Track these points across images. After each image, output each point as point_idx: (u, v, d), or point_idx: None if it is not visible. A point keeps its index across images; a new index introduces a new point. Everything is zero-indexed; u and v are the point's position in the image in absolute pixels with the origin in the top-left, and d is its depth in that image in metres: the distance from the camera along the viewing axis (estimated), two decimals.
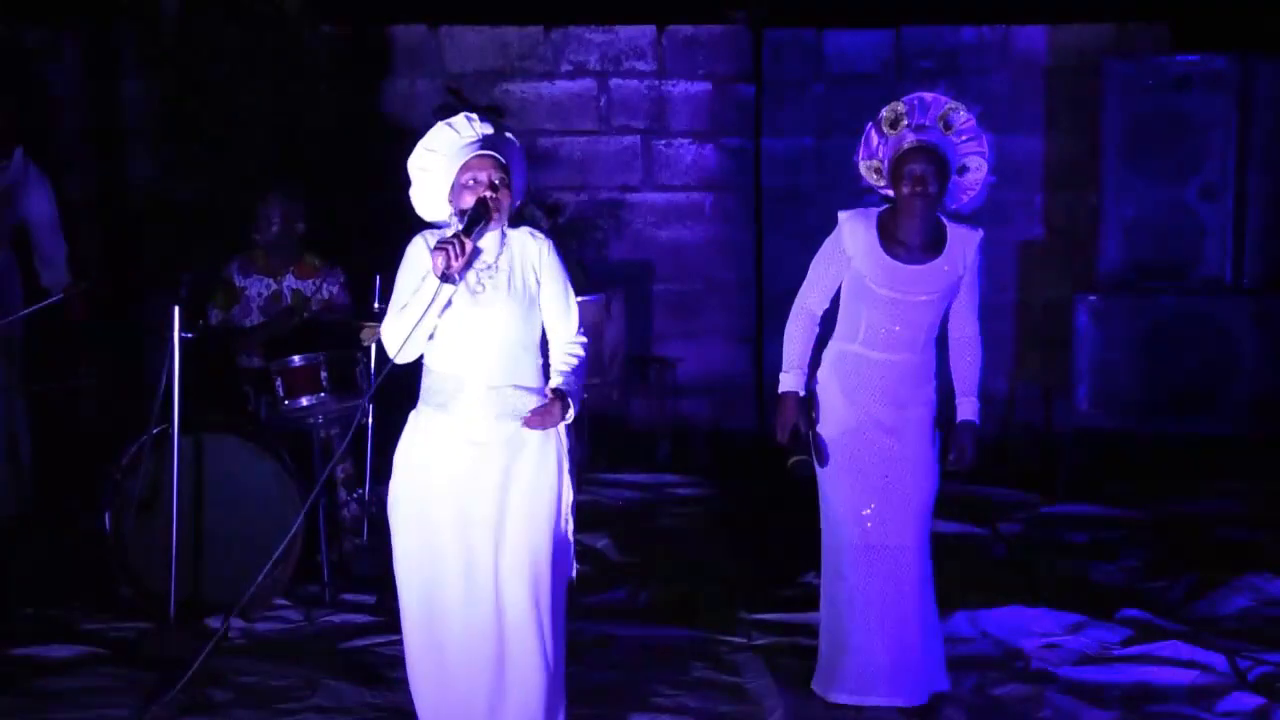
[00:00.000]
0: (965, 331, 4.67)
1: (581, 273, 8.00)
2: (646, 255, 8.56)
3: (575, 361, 4.10)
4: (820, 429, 4.63)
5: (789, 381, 4.61)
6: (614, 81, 8.52)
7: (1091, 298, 7.37)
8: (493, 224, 3.99)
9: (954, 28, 8.43)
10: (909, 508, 4.59)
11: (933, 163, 4.43)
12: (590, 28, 8.50)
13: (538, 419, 3.98)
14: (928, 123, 4.46)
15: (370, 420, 5.98)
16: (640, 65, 8.51)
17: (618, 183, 8.56)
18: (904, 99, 4.50)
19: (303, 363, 5.75)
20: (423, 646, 4.04)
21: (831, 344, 4.67)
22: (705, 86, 8.52)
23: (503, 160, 4.01)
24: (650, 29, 8.51)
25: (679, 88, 8.53)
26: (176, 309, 5.29)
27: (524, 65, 8.48)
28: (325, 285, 6.19)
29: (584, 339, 4.16)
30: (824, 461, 4.56)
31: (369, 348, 5.95)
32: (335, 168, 7.90)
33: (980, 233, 4.60)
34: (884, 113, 4.51)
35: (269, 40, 7.95)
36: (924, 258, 4.53)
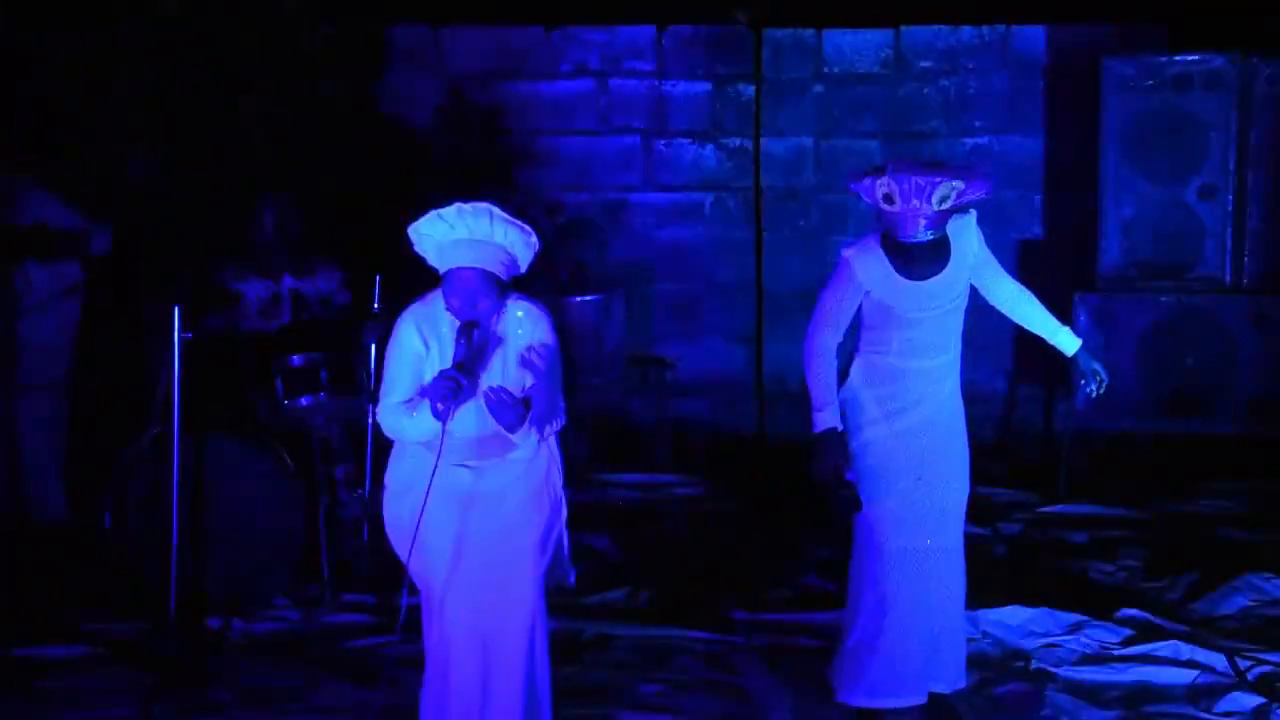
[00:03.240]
0: (1008, 289, 4.67)
1: (582, 273, 8.01)
2: (646, 255, 8.56)
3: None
4: (855, 435, 4.57)
5: (826, 419, 4.46)
6: (614, 81, 8.51)
7: (1091, 298, 7.37)
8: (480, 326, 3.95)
9: (954, 28, 8.43)
10: (945, 507, 4.58)
11: (929, 244, 4.39)
12: (590, 28, 8.49)
13: (494, 396, 3.84)
14: (923, 206, 4.31)
15: (371, 420, 5.97)
16: (640, 65, 8.51)
17: (618, 183, 8.56)
18: (897, 179, 4.30)
19: (303, 363, 5.76)
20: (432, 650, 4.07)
21: (859, 356, 4.61)
22: (705, 86, 8.52)
23: (489, 269, 3.90)
24: (650, 29, 8.50)
25: (679, 88, 8.52)
26: (176, 309, 5.29)
27: (524, 65, 8.48)
28: (323, 284, 6.19)
29: (563, 404, 4.10)
30: (869, 448, 4.48)
31: (369, 347, 5.94)
32: (335, 168, 7.90)
33: (971, 214, 4.55)
34: (878, 183, 4.34)
35: (269, 40, 7.95)
36: (938, 266, 4.48)
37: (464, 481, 4.01)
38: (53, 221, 6.61)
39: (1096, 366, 4.69)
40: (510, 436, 3.93)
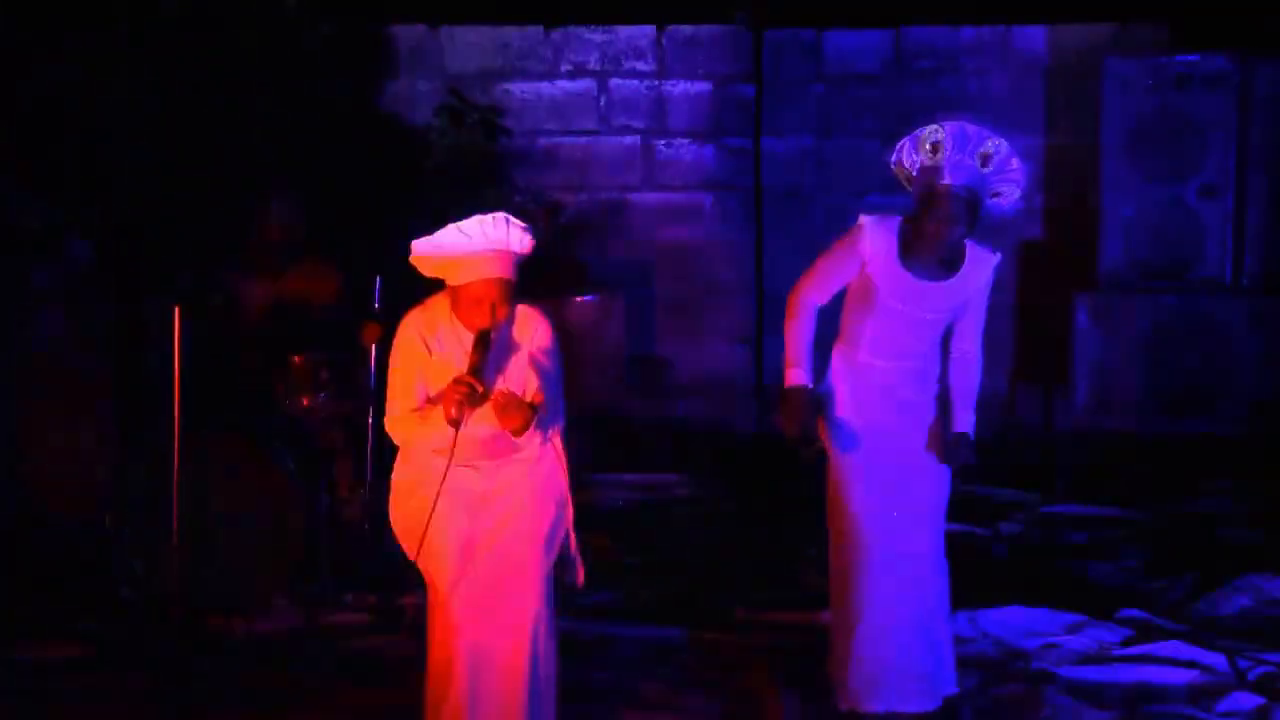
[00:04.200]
0: (965, 348, 4.57)
1: (582, 273, 8.01)
2: (646, 255, 8.56)
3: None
4: (834, 436, 4.58)
5: (796, 375, 4.43)
6: (614, 81, 8.51)
7: (1091, 298, 7.38)
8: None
9: (954, 28, 8.43)
10: (921, 512, 4.54)
11: (964, 205, 4.31)
12: (590, 28, 8.49)
13: (503, 399, 3.89)
14: (966, 159, 4.30)
15: (371, 420, 5.97)
16: (640, 65, 8.51)
17: (618, 183, 8.56)
18: (946, 126, 4.30)
19: (303, 363, 5.75)
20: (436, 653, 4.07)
21: (835, 350, 4.61)
22: (705, 86, 8.52)
23: (510, 276, 3.93)
24: (650, 29, 8.50)
25: (679, 88, 8.52)
26: (176, 309, 5.29)
27: (524, 65, 8.48)
28: (324, 284, 6.19)
29: (563, 405, 4.10)
30: (842, 448, 4.48)
31: (370, 347, 5.94)
32: (335, 168, 7.90)
33: (998, 256, 4.50)
34: (923, 134, 4.33)
35: (269, 40, 7.94)
36: (940, 275, 4.45)
37: (471, 483, 4.02)
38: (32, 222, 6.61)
39: (964, 455, 4.50)
40: (516, 440, 3.95)
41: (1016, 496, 7.33)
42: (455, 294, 3.97)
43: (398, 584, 5.49)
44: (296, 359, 5.76)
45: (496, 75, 8.46)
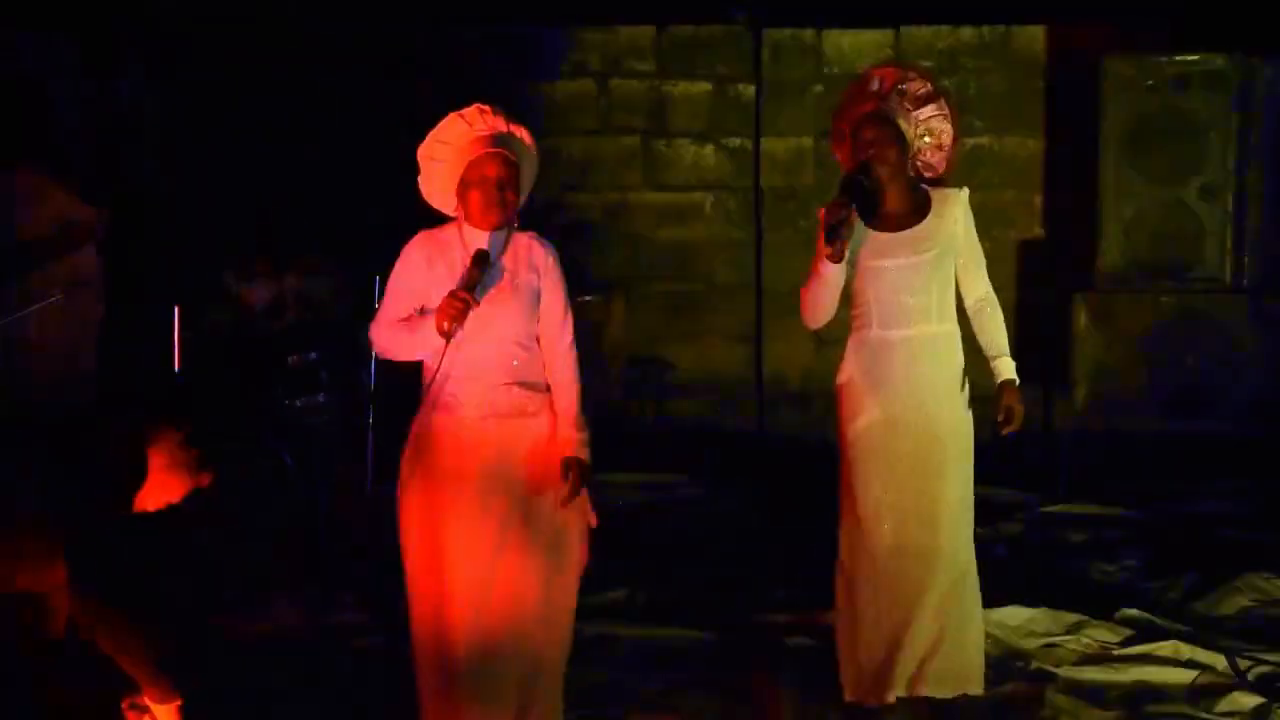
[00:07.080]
0: (977, 293, 4.63)
1: (581, 273, 8.01)
2: (646, 255, 8.56)
3: (574, 406, 4.15)
4: (848, 427, 4.59)
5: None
6: (614, 81, 8.51)
7: (1091, 298, 7.37)
8: (500, 227, 3.96)
9: (954, 28, 8.43)
10: (939, 505, 4.53)
11: (886, 127, 4.48)
12: (590, 28, 8.49)
13: (571, 492, 4.02)
14: (885, 89, 4.53)
15: (371, 420, 5.98)
16: (640, 65, 8.51)
17: (618, 183, 8.56)
18: (864, 73, 4.64)
19: (302, 363, 5.76)
20: (429, 645, 4.04)
21: (850, 337, 4.63)
22: (705, 86, 8.52)
23: (512, 158, 3.95)
24: (650, 29, 8.50)
25: (679, 88, 8.52)
26: (176, 309, 5.30)
27: (524, 65, 8.48)
28: (326, 285, 6.20)
29: (574, 353, 4.15)
30: (856, 439, 4.53)
31: (369, 347, 5.95)
32: (335, 168, 7.90)
33: (964, 190, 4.59)
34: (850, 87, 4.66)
35: (270, 40, 7.94)
36: (910, 223, 4.53)
37: (475, 462, 3.99)
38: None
39: (1011, 404, 4.63)
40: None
41: (1016, 496, 7.32)
42: (463, 196, 3.98)
43: (396, 584, 5.48)
44: (296, 359, 5.77)
45: (497, 75, 8.45)
